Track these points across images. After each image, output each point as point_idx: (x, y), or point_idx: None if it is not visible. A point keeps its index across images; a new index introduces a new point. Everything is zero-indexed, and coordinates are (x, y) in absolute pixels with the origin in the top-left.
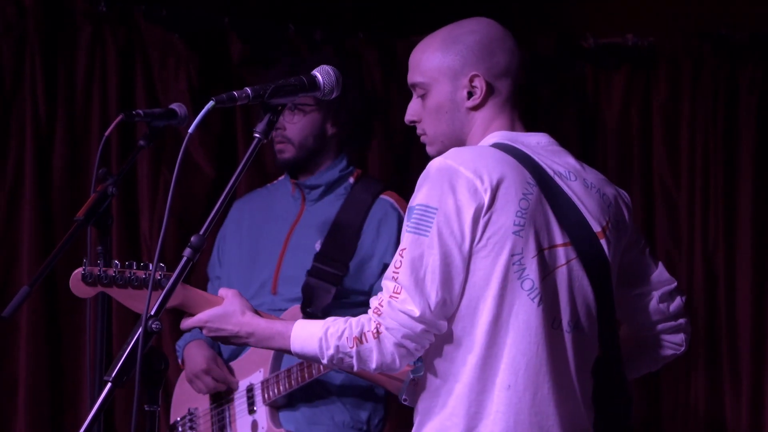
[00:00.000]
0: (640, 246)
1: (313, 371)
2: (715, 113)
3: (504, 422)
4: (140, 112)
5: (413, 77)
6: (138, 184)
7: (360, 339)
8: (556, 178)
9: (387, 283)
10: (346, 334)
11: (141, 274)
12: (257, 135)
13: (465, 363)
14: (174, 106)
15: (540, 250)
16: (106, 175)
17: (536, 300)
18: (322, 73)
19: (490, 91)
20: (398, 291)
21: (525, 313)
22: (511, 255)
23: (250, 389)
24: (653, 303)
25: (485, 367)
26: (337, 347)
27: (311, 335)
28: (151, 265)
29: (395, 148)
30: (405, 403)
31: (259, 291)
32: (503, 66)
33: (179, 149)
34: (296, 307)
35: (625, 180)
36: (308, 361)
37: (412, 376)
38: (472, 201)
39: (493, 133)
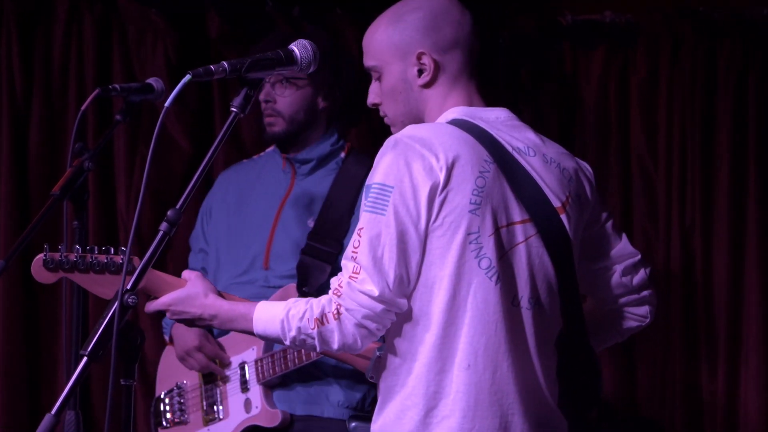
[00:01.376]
0: (602, 219)
1: (312, 354)
2: (693, 91)
3: (464, 401)
4: (117, 86)
5: (367, 61)
6: (115, 159)
7: (321, 320)
8: (515, 154)
9: (346, 263)
10: (307, 316)
11: (102, 258)
12: (234, 109)
13: (423, 342)
14: (151, 80)
15: (497, 228)
16: (82, 150)
17: (494, 278)
18: (299, 47)
19: (438, 67)
20: (357, 271)
21: (483, 291)
22: (468, 234)
23: (242, 367)
24: (616, 276)
25: (443, 347)
26: (299, 329)
27: (273, 317)
28: (112, 249)
29: (374, 123)
30: (371, 380)
31: (251, 266)
32: (450, 39)
33: (156, 124)
34: (292, 286)
35: (603, 157)
36: (271, 341)
37: (378, 354)
38: (427, 179)
39: (450, 109)
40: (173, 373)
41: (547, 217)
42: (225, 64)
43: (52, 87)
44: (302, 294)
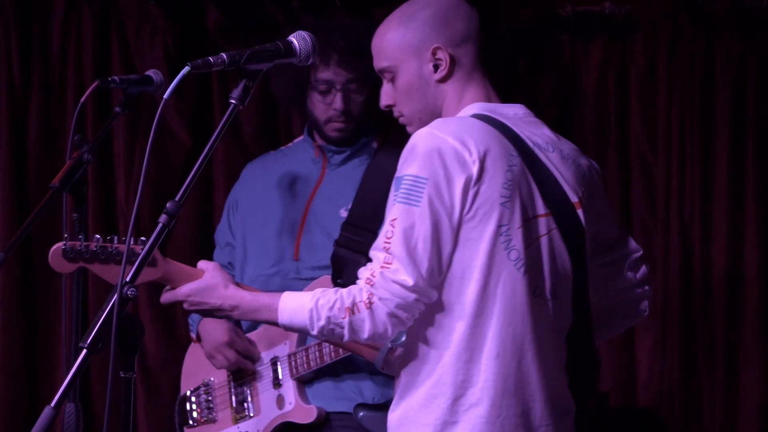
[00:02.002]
0: (610, 215)
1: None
2: (691, 83)
3: (492, 390)
4: (116, 78)
5: (379, 63)
6: (114, 151)
7: (352, 309)
8: (536, 150)
9: (377, 254)
10: (337, 305)
11: (123, 248)
12: (233, 101)
13: (453, 331)
14: (150, 72)
15: (525, 221)
16: (81, 142)
17: (522, 270)
18: (298, 39)
19: (454, 60)
20: (389, 261)
21: (512, 282)
22: (499, 226)
23: (274, 362)
24: (622, 271)
25: (474, 336)
26: (329, 318)
27: (300, 306)
28: (133, 239)
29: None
30: (382, 371)
31: (281, 257)
32: (462, 33)
33: (155, 116)
34: (326, 277)
35: (602, 149)
36: (295, 332)
37: (390, 345)
38: (461, 172)
39: (470, 105)
40: (199, 371)
41: (566, 211)
42: (224, 55)
43: (50, 80)
44: (337, 286)
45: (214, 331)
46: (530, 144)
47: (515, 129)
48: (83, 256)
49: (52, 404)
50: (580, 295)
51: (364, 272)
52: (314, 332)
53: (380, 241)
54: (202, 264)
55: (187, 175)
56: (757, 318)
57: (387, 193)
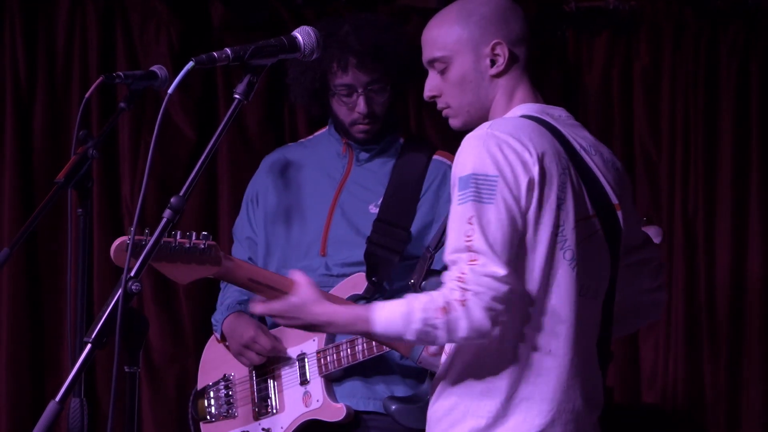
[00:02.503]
0: (636, 218)
1: (382, 347)
2: (696, 78)
3: (545, 385)
4: (120, 74)
5: (432, 53)
6: (119, 146)
7: (446, 309)
8: (582, 153)
9: (460, 255)
10: (432, 306)
11: (185, 242)
12: (237, 96)
13: (512, 327)
14: (154, 68)
15: (578, 221)
16: (86, 138)
17: (575, 270)
18: (302, 34)
19: (513, 57)
20: (475, 258)
21: (566, 281)
22: (556, 227)
23: (301, 358)
24: (643, 271)
25: (530, 332)
26: (424, 320)
27: (393, 313)
28: (194, 234)
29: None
30: (419, 365)
31: (307, 252)
32: (519, 33)
33: (160, 112)
34: (361, 275)
35: (606, 144)
36: (389, 340)
37: None
38: (525, 173)
39: (520, 105)
40: (218, 366)
41: (609, 213)
42: (228, 50)
43: (55, 75)
44: (372, 284)
45: (240, 329)
46: (577, 147)
47: (563, 131)
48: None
49: (57, 399)
50: (610, 295)
51: (452, 273)
52: (410, 336)
53: (459, 242)
54: (296, 275)
55: (192, 171)
56: (761, 314)
57: (416, 188)
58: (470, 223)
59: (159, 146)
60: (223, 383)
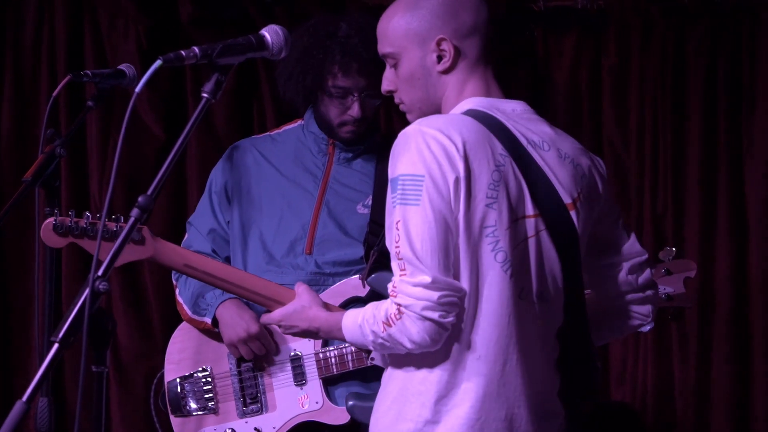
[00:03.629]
0: (613, 217)
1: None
2: (663, 76)
3: (474, 392)
4: (88, 72)
5: (383, 48)
6: (87, 146)
7: (387, 323)
8: (529, 148)
9: (393, 264)
10: (377, 320)
11: (112, 225)
12: (205, 95)
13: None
14: (123, 66)
15: (512, 222)
16: (54, 136)
17: (508, 272)
18: (270, 32)
19: (458, 53)
20: (403, 267)
21: (498, 284)
22: (484, 227)
23: (296, 358)
24: (622, 274)
25: (459, 337)
26: (373, 333)
27: (353, 325)
28: (122, 217)
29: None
30: (371, 362)
31: (291, 249)
32: (469, 25)
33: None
34: (355, 278)
35: None
36: (362, 349)
37: None
38: (452, 170)
39: (468, 99)
40: (192, 356)
41: (556, 213)
42: (196, 49)
43: (23, 72)
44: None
45: (241, 319)
46: (524, 142)
47: (509, 126)
48: (73, 232)
49: (24, 398)
50: (572, 297)
51: (389, 286)
52: (372, 348)
53: (391, 248)
54: (298, 287)
55: (160, 169)
56: (729, 311)
57: None
58: (397, 228)
59: (127, 144)
60: (201, 375)
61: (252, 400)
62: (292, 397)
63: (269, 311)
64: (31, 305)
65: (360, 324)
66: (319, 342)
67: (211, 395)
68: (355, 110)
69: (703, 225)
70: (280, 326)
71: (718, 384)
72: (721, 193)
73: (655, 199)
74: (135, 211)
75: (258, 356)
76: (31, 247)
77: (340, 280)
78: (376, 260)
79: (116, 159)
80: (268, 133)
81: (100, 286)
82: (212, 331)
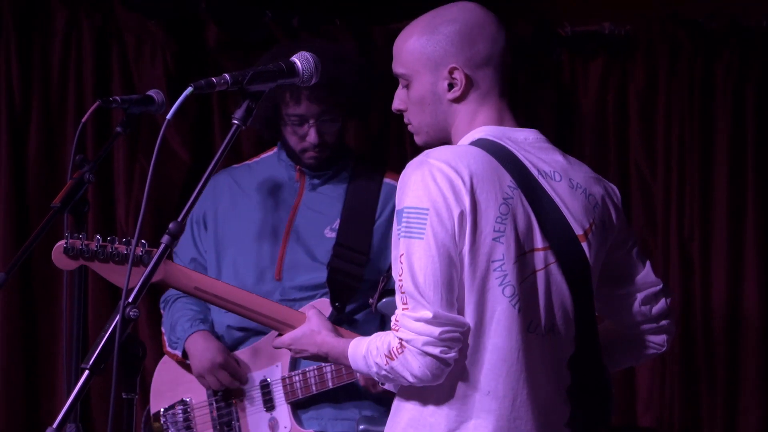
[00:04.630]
0: (627, 246)
1: (355, 375)
2: (691, 101)
3: (483, 428)
4: (117, 98)
5: (396, 68)
6: (114, 171)
7: (390, 356)
8: (540, 179)
9: (396, 297)
10: (380, 353)
11: (122, 248)
12: (236, 122)
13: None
14: (151, 92)
15: (520, 255)
16: (82, 162)
17: (517, 306)
18: (301, 59)
19: (470, 83)
20: (405, 302)
21: (506, 319)
22: (491, 261)
23: (265, 385)
24: (636, 304)
25: (468, 371)
26: (378, 365)
27: (358, 355)
28: (132, 240)
29: (372, 133)
30: (382, 386)
31: (261, 277)
32: (484, 55)
33: (155, 136)
34: (324, 300)
35: (601, 168)
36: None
37: None
38: (457, 204)
39: (479, 128)
40: (173, 388)
41: (567, 245)
42: (227, 76)
43: (50, 97)
44: (335, 309)
45: (206, 351)
46: (535, 172)
47: (520, 156)
48: (84, 255)
49: (54, 425)
50: (583, 329)
51: (392, 319)
52: (377, 378)
53: (396, 281)
54: (307, 310)
55: (186, 193)
56: (757, 334)
57: (371, 212)
58: (401, 262)
59: (155, 170)
60: (180, 407)
61: (227, 427)
62: (262, 422)
63: (281, 335)
64: (58, 330)
65: (364, 355)
66: (287, 367)
67: (190, 425)
68: (312, 136)
69: (730, 250)
70: (290, 350)
71: (747, 413)
72: (749, 217)
73: (681, 224)
74: (165, 238)
75: (233, 385)
76: (59, 273)
77: (305, 304)
78: (387, 285)
79: (147, 188)
80: (246, 162)
81: (131, 313)
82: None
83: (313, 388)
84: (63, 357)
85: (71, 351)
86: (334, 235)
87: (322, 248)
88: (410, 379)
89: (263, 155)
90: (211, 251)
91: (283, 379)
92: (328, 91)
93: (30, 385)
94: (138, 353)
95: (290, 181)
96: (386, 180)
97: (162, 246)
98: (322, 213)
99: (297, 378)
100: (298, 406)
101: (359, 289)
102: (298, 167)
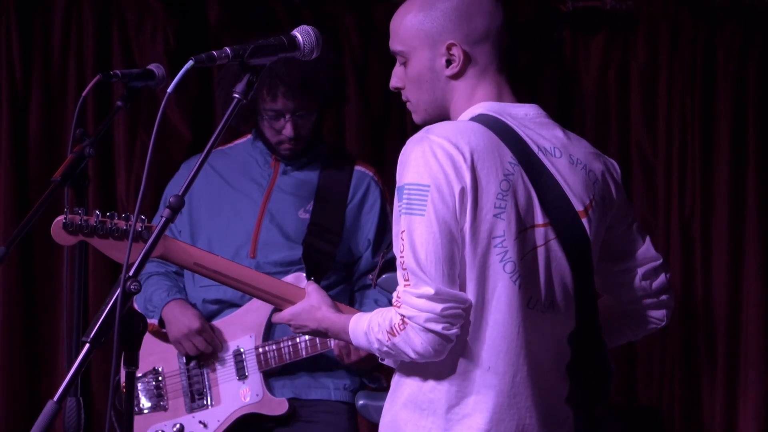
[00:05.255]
0: (627, 222)
1: (329, 343)
2: (693, 78)
3: (484, 402)
4: (118, 72)
5: (393, 45)
6: (115, 145)
7: (392, 332)
8: (540, 155)
9: (398, 274)
10: (382, 329)
11: (121, 224)
12: (237, 95)
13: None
14: (152, 66)
15: (521, 231)
16: (83, 136)
17: (517, 282)
18: (302, 33)
19: (468, 59)
20: (407, 278)
21: (507, 295)
22: (492, 237)
23: (238, 353)
24: (636, 279)
25: (469, 347)
26: (378, 342)
27: (360, 331)
28: (131, 216)
29: (372, 111)
30: (382, 362)
31: (235, 256)
32: (482, 31)
33: (156, 111)
34: (300, 274)
35: (603, 145)
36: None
37: None
38: (458, 180)
39: (478, 104)
40: (144, 357)
41: (567, 221)
42: (228, 49)
43: (51, 73)
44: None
45: (183, 317)
46: (535, 149)
47: (520, 132)
48: (83, 230)
49: (55, 398)
50: (583, 305)
51: (394, 295)
52: (379, 355)
53: (397, 257)
54: (308, 286)
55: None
56: (758, 312)
57: (343, 195)
58: (402, 239)
59: (156, 146)
60: (152, 375)
61: (199, 395)
62: (234, 390)
63: (280, 310)
64: (58, 305)
65: (366, 331)
66: (260, 337)
67: (162, 393)
68: (288, 130)
69: (731, 228)
70: (290, 325)
71: (747, 390)
72: (750, 196)
73: (683, 202)
74: (166, 212)
75: (204, 353)
76: (59, 247)
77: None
78: (387, 261)
79: (147, 163)
80: (220, 147)
81: (132, 287)
82: (162, 333)
83: (287, 357)
84: (63, 331)
85: (71, 325)
86: (307, 216)
87: (296, 228)
88: (412, 355)
89: (237, 141)
90: (185, 232)
91: (257, 348)
92: (303, 88)
93: (30, 360)
94: (138, 327)
95: (265, 166)
96: (357, 167)
97: (163, 220)
98: (296, 195)
99: (270, 348)
100: (270, 375)
101: (332, 267)
102: (273, 156)
